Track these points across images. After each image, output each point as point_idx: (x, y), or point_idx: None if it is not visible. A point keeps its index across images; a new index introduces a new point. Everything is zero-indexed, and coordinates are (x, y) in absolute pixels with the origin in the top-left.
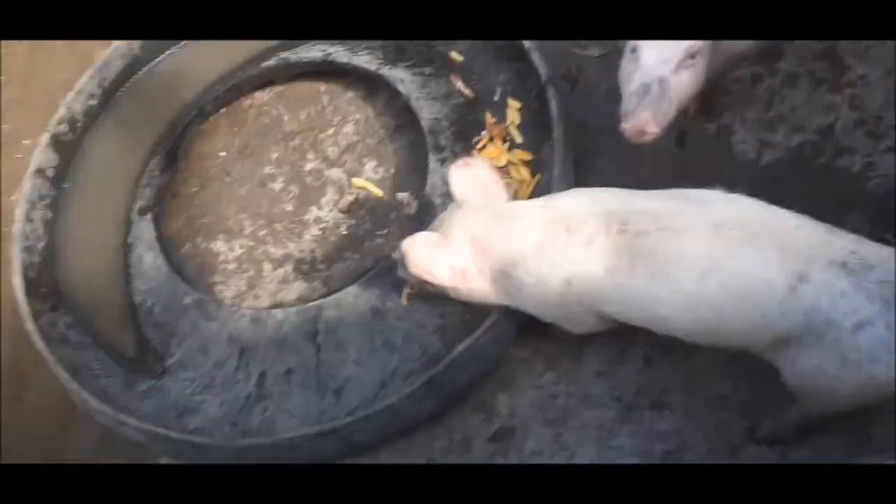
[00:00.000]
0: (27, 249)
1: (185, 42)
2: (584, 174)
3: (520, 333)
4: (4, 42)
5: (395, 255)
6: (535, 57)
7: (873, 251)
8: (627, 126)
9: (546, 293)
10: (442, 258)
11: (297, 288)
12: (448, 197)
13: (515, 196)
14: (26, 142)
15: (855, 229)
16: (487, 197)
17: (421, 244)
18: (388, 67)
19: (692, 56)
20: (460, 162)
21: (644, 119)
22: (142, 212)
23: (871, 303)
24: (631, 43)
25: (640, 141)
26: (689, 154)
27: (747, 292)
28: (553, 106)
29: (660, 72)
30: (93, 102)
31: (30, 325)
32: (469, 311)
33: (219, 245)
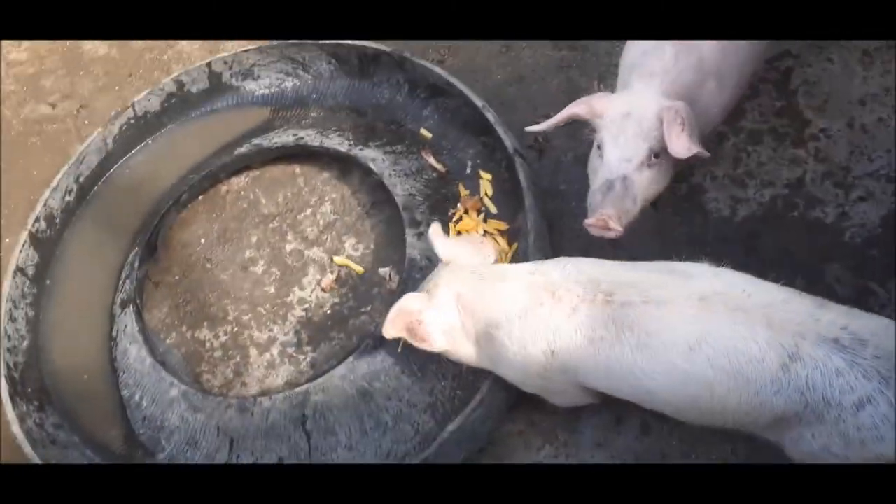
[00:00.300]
0: (11, 350)
1: (158, 133)
2: (558, 240)
3: (514, 407)
4: None
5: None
6: (501, 130)
7: (865, 324)
8: (591, 221)
9: (528, 361)
10: (430, 318)
11: (284, 372)
12: (428, 270)
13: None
14: (6, 240)
15: (836, 279)
16: (474, 256)
17: (408, 305)
18: (359, 148)
19: (656, 155)
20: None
21: (607, 216)
22: (123, 305)
23: (868, 380)
24: (597, 138)
25: (604, 236)
26: (663, 214)
27: (738, 370)
28: (521, 176)
29: (623, 170)
30: (70, 198)
31: (16, 429)
32: (460, 387)
33: (204, 333)
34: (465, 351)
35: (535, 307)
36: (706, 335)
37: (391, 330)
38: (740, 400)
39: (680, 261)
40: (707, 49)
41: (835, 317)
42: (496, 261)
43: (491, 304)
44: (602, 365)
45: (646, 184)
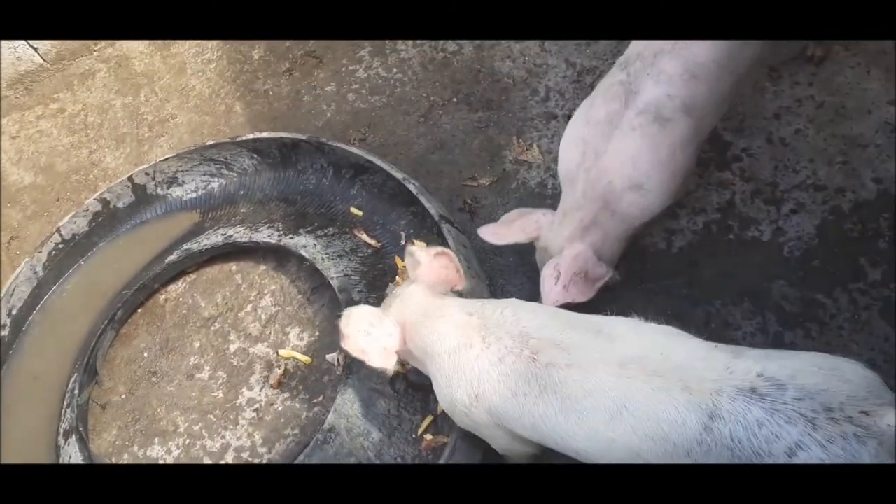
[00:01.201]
0: None
1: (89, 253)
2: (500, 296)
3: None
4: None
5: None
6: (424, 199)
7: (783, 365)
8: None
9: (454, 399)
10: (375, 337)
11: None
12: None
13: None
14: None
15: (783, 297)
16: (438, 281)
17: (357, 321)
18: (289, 237)
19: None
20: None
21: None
22: (66, 434)
23: (792, 425)
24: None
25: None
26: None
27: (662, 435)
28: (451, 242)
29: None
30: (4, 333)
31: None
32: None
33: (156, 449)
34: (417, 363)
35: (464, 349)
36: (626, 402)
37: (343, 341)
38: (673, 461)
39: (610, 313)
40: (614, 169)
41: (751, 364)
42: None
43: (426, 337)
44: (528, 420)
45: (576, 291)
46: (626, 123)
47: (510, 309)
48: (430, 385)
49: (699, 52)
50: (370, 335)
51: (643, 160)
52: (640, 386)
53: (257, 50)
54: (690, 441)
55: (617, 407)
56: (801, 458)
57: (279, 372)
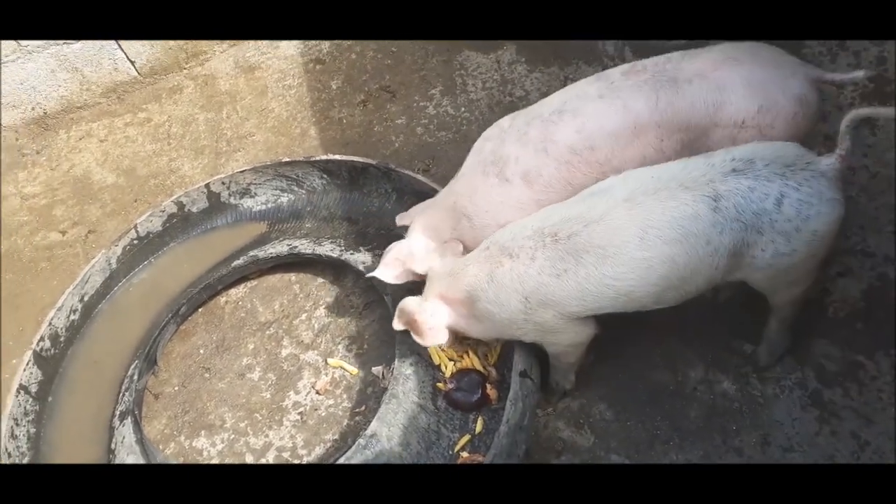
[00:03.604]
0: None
1: (160, 252)
2: None
3: None
4: None
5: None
6: None
7: (746, 149)
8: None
9: (512, 314)
10: (422, 319)
11: None
12: (418, 366)
13: (486, 358)
14: (13, 361)
15: (824, 355)
16: (445, 259)
17: (407, 306)
18: (350, 253)
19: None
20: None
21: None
22: (122, 416)
23: (771, 182)
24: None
25: None
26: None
27: (685, 233)
28: None
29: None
30: (75, 317)
31: None
32: None
33: (201, 441)
34: (475, 329)
35: (498, 271)
36: (646, 221)
37: (397, 323)
38: (700, 256)
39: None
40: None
41: (723, 156)
42: (484, 357)
43: (465, 288)
44: (574, 291)
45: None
46: (482, 164)
47: (512, 225)
48: (469, 405)
49: (557, 132)
50: (421, 324)
51: (477, 199)
52: (650, 204)
53: (336, 80)
54: (707, 227)
55: (641, 228)
56: (786, 204)
57: (326, 379)
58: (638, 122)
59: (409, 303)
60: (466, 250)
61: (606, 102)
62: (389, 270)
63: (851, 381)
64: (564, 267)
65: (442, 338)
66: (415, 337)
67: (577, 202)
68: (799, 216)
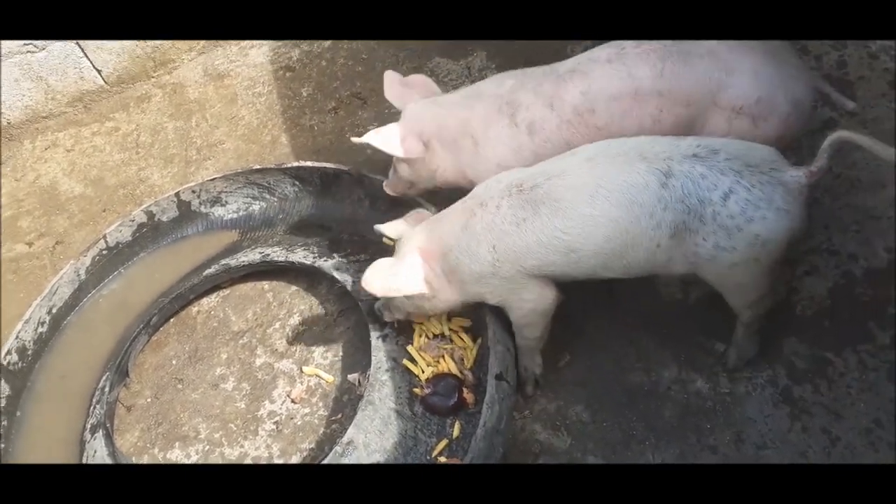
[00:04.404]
0: None
1: (130, 262)
2: None
3: None
4: None
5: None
6: None
7: (716, 141)
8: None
9: (482, 265)
10: (401, 273)
11: None
12: (395, 371)
13: (462, 362)
14: None
15: (794, 352)
16: (418, 225)
17: (379, 269)
18: (324, 259)
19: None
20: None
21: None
22: (93, 429)
23: (724, 175)
24: None
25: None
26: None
27: (631, 199)
28: None
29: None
30: (43, 330)
31: None
32: None
33: (176, 453)
34: (444, 294)
35: (470, 219)
36: (599, 181)
37: (367, 286)
38: (642, 227)
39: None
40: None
41: (691, 141)
42: (460, 360)
43: (440, 236)
44: (532, 241)
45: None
46: (500, 100)
47: (491, 179)
48: (446, 409)
49: (566, 90)
50: (397, 274)
51: (488, 131)
52: (607, 166)
53: (306, 87)
54: (652, 199)
55: (594, 187)
56: (732, 200)
57: (302, 388)
58: (640, 90)
59: (383, 261)
60: (443, 178)
61: (613, 67)
62: (397, 141)
63: (821, 377)
64: (524, 216)
65: (421, 286)
66: (396, 293)
67: (547, 162)
68: (742, 215)
